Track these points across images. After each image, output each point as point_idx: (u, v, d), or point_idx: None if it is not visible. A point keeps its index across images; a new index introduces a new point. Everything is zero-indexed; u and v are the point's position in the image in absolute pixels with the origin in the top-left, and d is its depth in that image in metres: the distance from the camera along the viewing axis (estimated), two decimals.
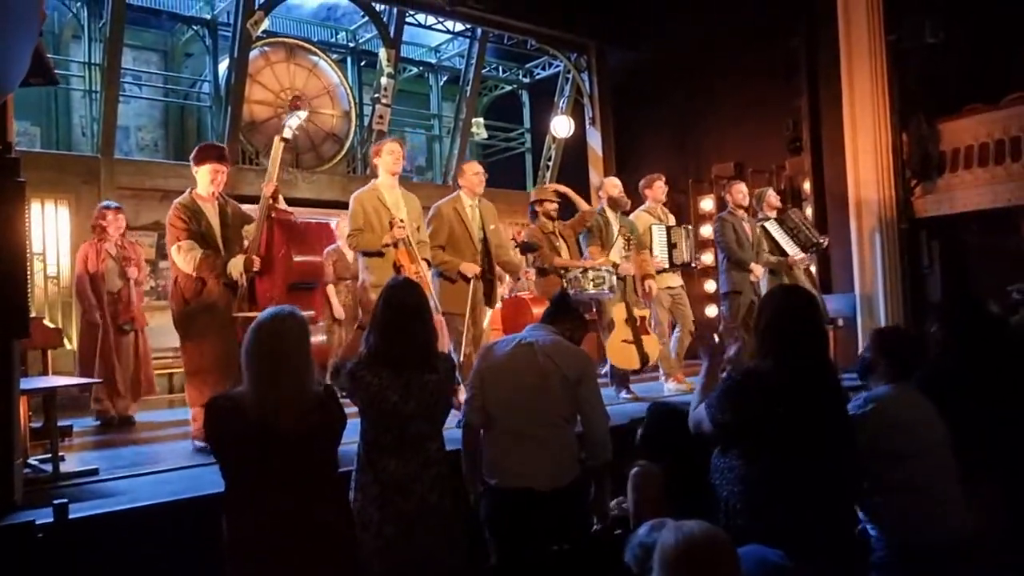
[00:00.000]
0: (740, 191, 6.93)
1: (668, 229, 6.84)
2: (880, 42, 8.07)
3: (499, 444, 3.13)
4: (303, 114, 5.00)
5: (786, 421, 2.48)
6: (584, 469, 3.18)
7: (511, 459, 3.09)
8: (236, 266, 4.59)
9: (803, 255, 6.90)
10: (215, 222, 4.73)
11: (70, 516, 3.04)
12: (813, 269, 7.42)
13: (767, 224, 7.05)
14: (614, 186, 6.64)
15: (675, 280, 6.87)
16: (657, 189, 7.02)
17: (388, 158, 5.31)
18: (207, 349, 4.53)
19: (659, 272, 6.66)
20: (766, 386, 2.52)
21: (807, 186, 9.20)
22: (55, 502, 3.04)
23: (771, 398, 2.50)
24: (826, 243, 7.28)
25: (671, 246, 6.75)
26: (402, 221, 5.09)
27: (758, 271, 6.75)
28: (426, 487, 2.81)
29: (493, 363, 3.22)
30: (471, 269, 5.47)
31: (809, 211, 9.21)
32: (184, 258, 4.51)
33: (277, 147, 4.86)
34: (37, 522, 3.00)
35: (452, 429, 3.17)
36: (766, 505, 2.44)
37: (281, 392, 2.44)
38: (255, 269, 4.60)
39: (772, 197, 7.27)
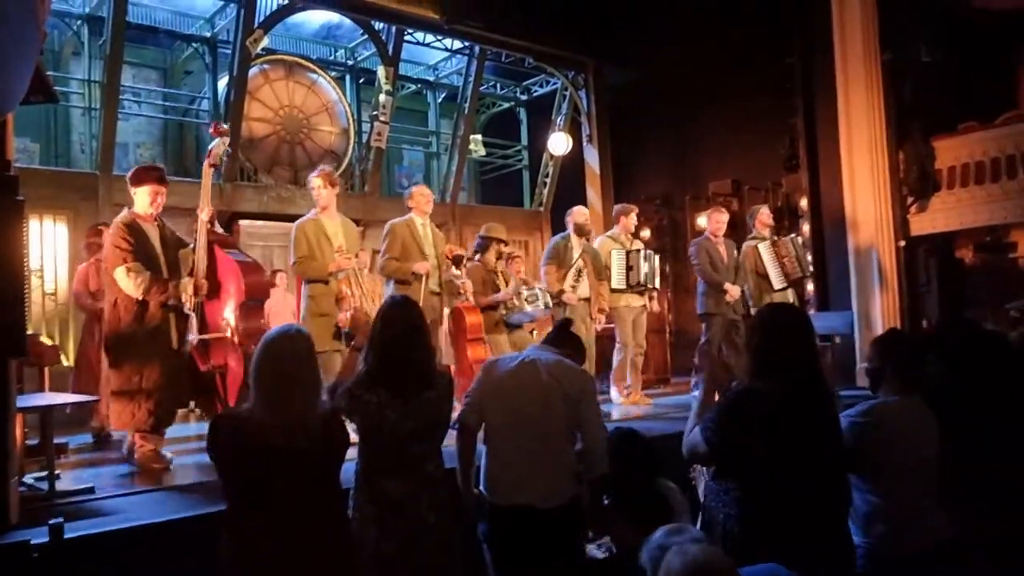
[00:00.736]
0: (719, 220, 7.24)
1: (627, 253, 7.18)
2: (875, 61, 8.12)
3: (499, 459, 3.14)
4: (227, 139, 5.06)
5: (782, 442, 2.48)
6: (581, 482, 3.19)
7: (511, 475, 3.10)
8: (186, 289, 4.57)
9: (783, 286, 7.16)
10: (157, 244, 4.68)
11: (66, 536, 3.02)
12: (793, 294, 7.49)
13: (760, 246, 7.24)
14: (581, 214, 7.10)
15: (636, 300, 7.17)
16: (629, 220, 7.41)
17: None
18: (148, 374, 4.45)
19: (621, 291, 7.07)
20: (761, 407, 2.51)
21: (804, 203, 9.23)
22: (51, 522, 3.01)
23: (766, 419, 2.49)
24: (806, 277, 7.56)
25: (628, 268, 7.11)
26: (347, 250, 5.39)
27: (734, 292, 7.02)
28: (424, 506, 2.80)
29: (496, 378, 3.22)
30: (423, 267, 5.85)
31: (806, 228, 9.24)
32: (133, 281, 4.40)
33: (207, 173, 4.94)
34: (32, 542, 2.98)
35: (451, 447, 3.16)
36: (764, 527, 2.43)
37: (290, 410, 2.45)
38: (204, 293, 4.64)
39: (764, 215, 7.44)
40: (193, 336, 4.66)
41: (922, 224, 8.29)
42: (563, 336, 3.50)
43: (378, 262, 6.05)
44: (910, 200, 8.34)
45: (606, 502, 3.09)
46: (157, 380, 4.45)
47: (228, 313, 4.78)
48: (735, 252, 7.26)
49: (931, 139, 8.25)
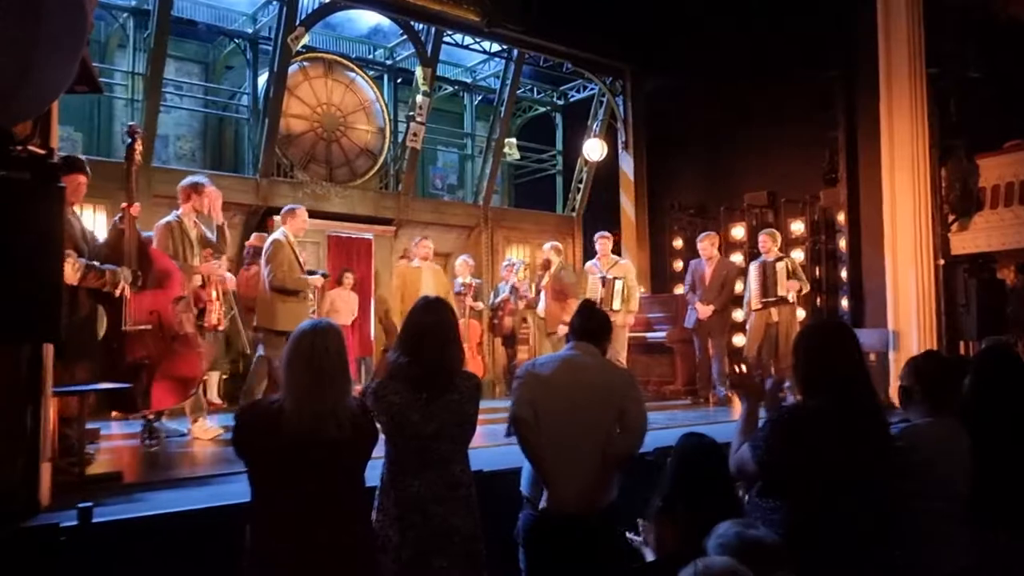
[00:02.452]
0: (704, 244, 8.52)
1: (602, 279, 8.39)
2: (920, 75, 7.98)
3: (544, 463, 3.10)
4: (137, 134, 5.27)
5: (834, 461, 2.43)
6: (607, 454, 3.13)
7: (553, 476, 3.07)
8: (126, 278, 4.69)
9: (759, 304, 8.06)
10: (78, 232, 4.68)
11: (94, 520, 3.05)
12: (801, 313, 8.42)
13: (752, 264, 8.25)
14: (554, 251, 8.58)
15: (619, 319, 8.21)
16: (601, 247, 8.66)
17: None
18: (79, 372, 4.44)
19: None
20: (814, 426, 2.46)
21: (841, 218, 9.11)
22: (79, 505, 3.06)
23: (819, 438, 2.44)
24: (785, 297, 8.13)
25: (600, 298, 8.22)
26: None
27: (702, 311, 8.24)
28: (450, 509, 2.79)
29: (540, 378, 3.19)
30: (319, 281, 6.57)
31: (843, 243, 9.11)
32: (70, 267, 4.33)
33: (131, 171, 5.16)
34: (62, 524, 3.02)
35: (477, 449, 3.14)
36: (812, 546, 2.37)
37: (321, 401, 2.46)
38: (139, 283, 4.82)
39: (760, 239, 8.37)
40: (132, 327, 4.87)
41: (963, 243, 8.13)
42: (596, 327, 3.40)
43: (265, 275, 6.19)
44: (951, 218, 8.20)
45: (659, 504, 2.96)
46: (88, 375, 4.50)
47: (158, 307, 5.02)
48: (725, 273, 8.31)
49: (975, 156, 8.10)
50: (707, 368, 8.59)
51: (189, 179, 5.90)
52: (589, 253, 10.02)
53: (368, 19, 10.94)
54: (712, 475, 2.85)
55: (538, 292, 8.60)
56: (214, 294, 6.16)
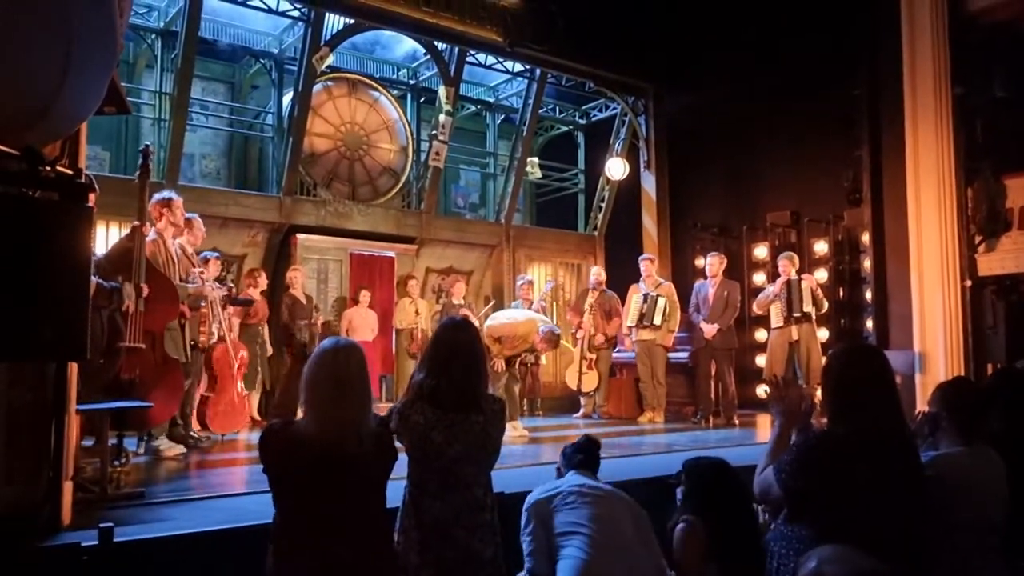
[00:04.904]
0: (709, 263, 8.94)
1: (644, 296, 8.92)
2: (946, 95, 7.90)
3: None
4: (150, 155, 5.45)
5: (860, 490, 2.37)
6: None
7: None
8: (129, 295, 4.79)
9: (781, 320, 8.34)
10: None
11: (115, 540, 3.05)
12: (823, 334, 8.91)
13: (778, 281, 8.46)
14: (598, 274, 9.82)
15: (647, 335, 8.91)
16: (645, 269, 9.25)
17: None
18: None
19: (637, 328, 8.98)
20: (841, 452, 2.41)
21: (866, 238, 9.02)
22: (101, 525, 3.06)
23: (843, 466, 2.39)
24: (809, 314, 8.37)
25: (641, 312, 8.89)
26: None
27: (707, 330, 8.55)
28: (471, 533, 2.75)
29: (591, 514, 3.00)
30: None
31: (867, 263, 9.03)
32: None
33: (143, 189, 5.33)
34: (83, 544, 3.02)
35: (501, 470, 3.11)
36: None
37: (342, 419, 2.46)
38: (144, 296, 4.92)
39: (780, 263, 8.60)
40: (128, 343, 4.95)
41: (990, 264, 8.01)
42: (594, 458, 3.38)
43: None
44: (978, 239, 8.09)
45: (681, 524, 2.90)
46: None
47: (154, 326, 5.14)
48: (726, 292, 8.63)
49: (1002, 177, 8.00)
50: (707, 388, 8.84)
51: (158, 195, 5.99)
52: (610, 272, 10.00)
53: (392, 39, 11.04)
54: (722, 493, 2.86)
55: (579, 312, 9.46)
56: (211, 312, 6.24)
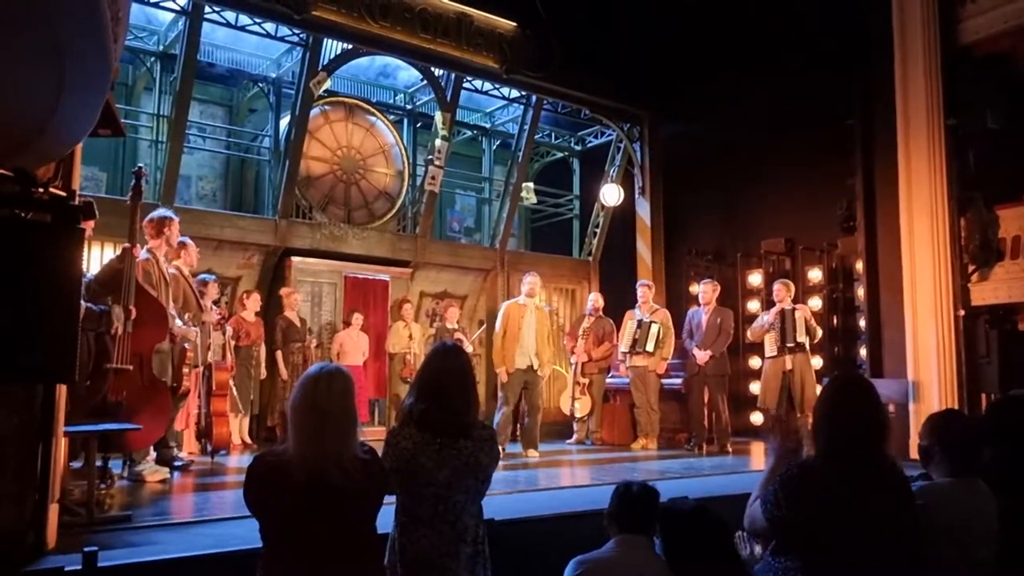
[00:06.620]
0: (711, 288, 8.98)
1: (639, 322, 8.98)
2: (939, 125, 7.96)
3: None
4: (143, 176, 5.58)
5: (843, 524, 2.36)
6: None
7: None
8: (118, 316, 4.79)
9: (774, 351, 8.41)
10: None
11: (99, 564, 3.02)
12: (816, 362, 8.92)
13: (772, 309, 8.58)
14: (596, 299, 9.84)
15: (640, 361, 8.98)
16: (643, 295, 9.30)
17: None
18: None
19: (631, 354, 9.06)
20: (821, 486, 2.40)
21: (859, 266, 9.04)
22: (85, 550, 3.03)
23: (825, 499, 2.38)
24: (803, 344, 8.46)
25: (634, 338, 8.96)
26: None
27: (700, 357, 8.66)
28: (461, 564, 2.72)
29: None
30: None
31: (860, 291, 9.04)
32: None
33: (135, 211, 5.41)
34: (66, 568, 2.99)
35: (492, 496, 3.08)
36: None
37: (324, 447, 2.43)
38: (132, 318, 4.91)
39: (775, 288, 8.74)
40: (116, 365, 4.94)
41: (983, 294, 8.02)
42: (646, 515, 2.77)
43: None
44: (971, 269, 8.11)
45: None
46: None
47: (142, 349, 5.12)
48: (719, 319, 8.73)
49: (994, 207, 8.03)
50: (700, 415, 8.88)
51: (156, 213, 5.99)
52: (605, 298, 10.01)
53: (395, 68, 11.12)
54: (698, 542, 2.62)
55: (575, 336, 9.58)
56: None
